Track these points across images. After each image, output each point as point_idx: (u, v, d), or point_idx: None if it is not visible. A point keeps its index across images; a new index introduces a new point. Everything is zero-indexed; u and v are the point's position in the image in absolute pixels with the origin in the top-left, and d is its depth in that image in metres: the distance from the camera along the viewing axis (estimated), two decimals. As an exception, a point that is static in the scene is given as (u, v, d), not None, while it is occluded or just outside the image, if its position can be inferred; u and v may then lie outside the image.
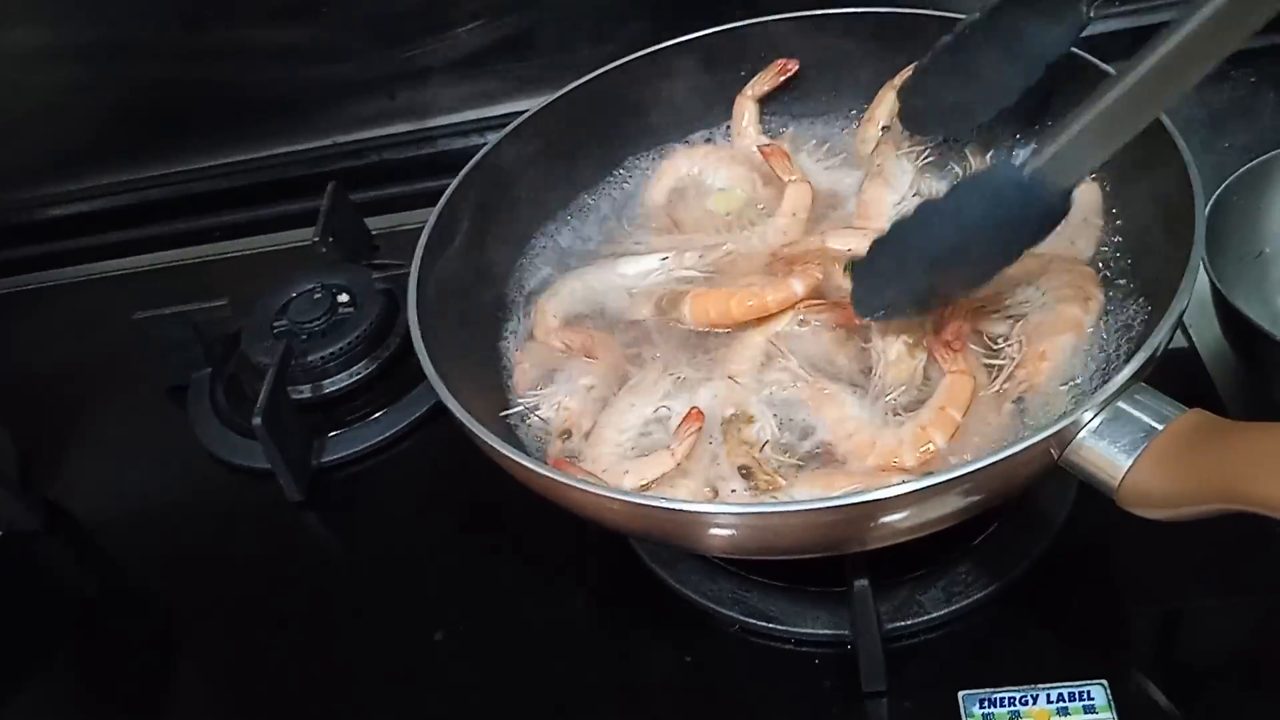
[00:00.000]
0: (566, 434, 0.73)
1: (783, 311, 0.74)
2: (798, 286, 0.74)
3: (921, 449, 0.65)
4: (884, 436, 0.66)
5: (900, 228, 0.65)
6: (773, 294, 0.74)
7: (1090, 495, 0.57)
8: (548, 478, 0.60)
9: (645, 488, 0.67)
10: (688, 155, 0.90)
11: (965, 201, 0.62)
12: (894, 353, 0.69)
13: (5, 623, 0.88)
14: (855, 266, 0.69)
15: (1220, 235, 0.78)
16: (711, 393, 0.72)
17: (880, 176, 0.80)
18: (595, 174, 0.91)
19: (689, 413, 0.69)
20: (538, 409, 0.74)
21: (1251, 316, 0.72)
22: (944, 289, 0.67)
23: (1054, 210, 0.60)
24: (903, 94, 0.79)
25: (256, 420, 0.83)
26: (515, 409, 0.75)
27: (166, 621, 0.86)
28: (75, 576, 0.94)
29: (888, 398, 0.68)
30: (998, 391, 0.67)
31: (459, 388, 0.67)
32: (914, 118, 0.78)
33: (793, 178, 0.83)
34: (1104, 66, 0.71)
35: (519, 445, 0.72)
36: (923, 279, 0.66)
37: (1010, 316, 0.71)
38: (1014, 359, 0.67)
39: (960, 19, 0.74)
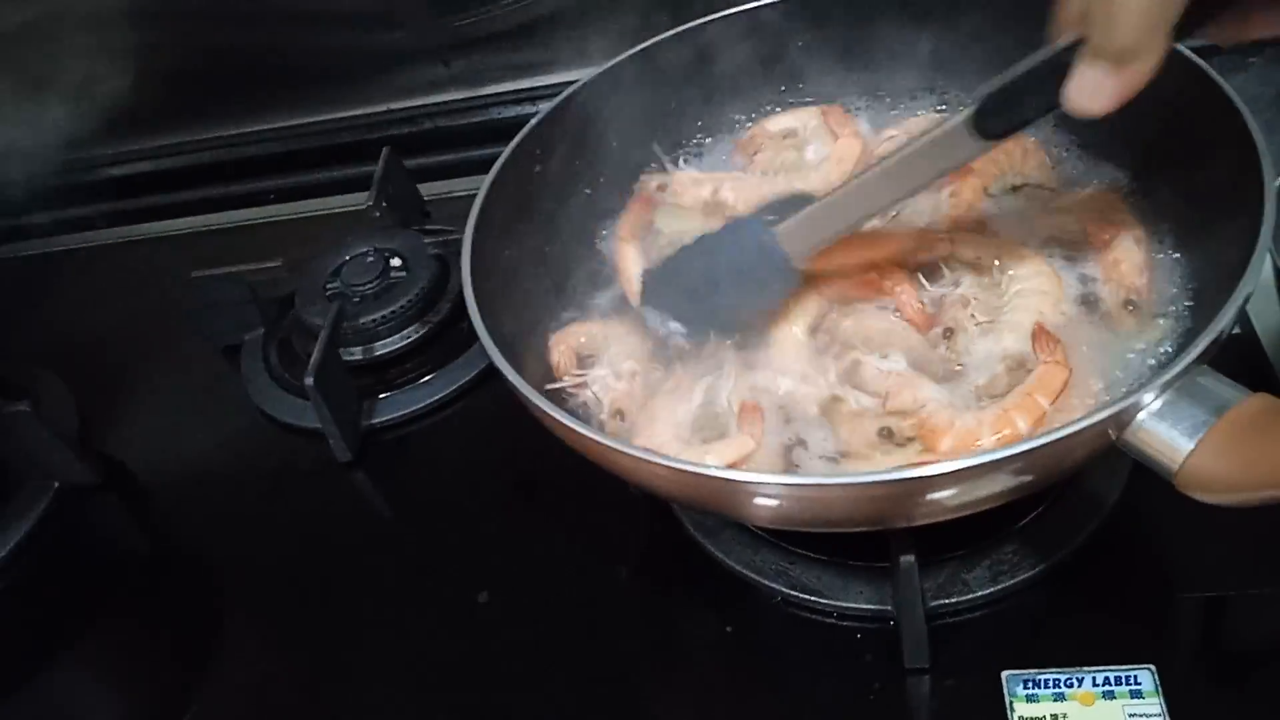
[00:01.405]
0: (619, 414, 0.73)
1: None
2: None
3: (1002, 432, 0.64)
4: (964, 418, 0.65)
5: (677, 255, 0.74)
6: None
7: (1143, 477, 0.56)
8: (599, 443, 0.60)
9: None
10: (793, 114, 0.89)
11: (727, 239, 0.72)
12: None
13: (61, 574, 0.90)
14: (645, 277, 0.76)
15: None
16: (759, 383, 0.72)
17: None
18: (654, 142, 0.90)
19: (744, 405, 0.69)
20: (587, 387, 0.74)
21: (1317, 302, 0.71)
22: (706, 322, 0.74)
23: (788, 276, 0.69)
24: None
25: (309, 380, 0.85)
26: (561, 384, 0.75)
27: (216, 577, 0.87)
28: (129, 531, 0.96)
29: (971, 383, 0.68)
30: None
31: (510, 352, 0.67)
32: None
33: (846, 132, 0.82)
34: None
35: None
36: (690, 304, 0.73)
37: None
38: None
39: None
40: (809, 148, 0.87)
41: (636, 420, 0.72)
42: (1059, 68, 0.53)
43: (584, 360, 0.77)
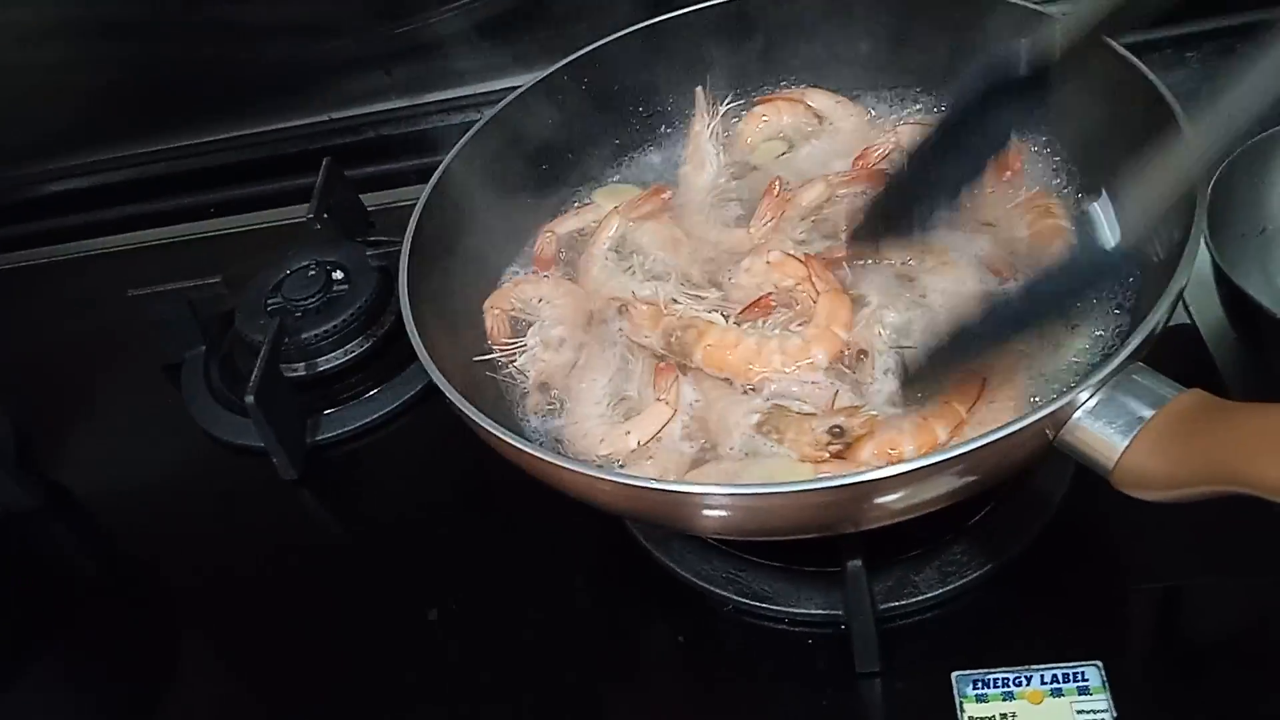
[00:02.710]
0: (544, 386, 0.74)
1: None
2: (821, 358, 0.69)
3: (922, 440, 0.64)
4: (884, 428, 0.65)
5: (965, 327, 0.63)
6: (794, 359, 0.69)
7: (1087, 475, 0.56)
8: (543, 460, 0.59)
9: (652, 441, 0.68)
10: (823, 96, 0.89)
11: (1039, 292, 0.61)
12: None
13: (3, 600, 0.88)
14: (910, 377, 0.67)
15: (1223, 212, 0.77)
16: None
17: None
18: (595, 152, 0.90)
19: (659, 368, 0.71)
20: (514, 359, 0.75)
21: (1253, 294, 0.72)
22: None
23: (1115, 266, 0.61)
24: (861, 219, 0.76)
25: (250, 399, 0.83)
26: (488, 355, 0.75)
27: (163, 600, 0.86)
28: (73, 555, 0.94)
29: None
30: None
31: (453, 370, 0.67)
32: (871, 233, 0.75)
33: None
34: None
35: (515, 425, 0.72)
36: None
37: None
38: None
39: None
40: (814, 143, 0.86)
41: (563, 397, 0.73)
42: None
43: (517, 326, 0.78)
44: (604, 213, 0.84)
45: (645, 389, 0.71)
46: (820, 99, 0.88)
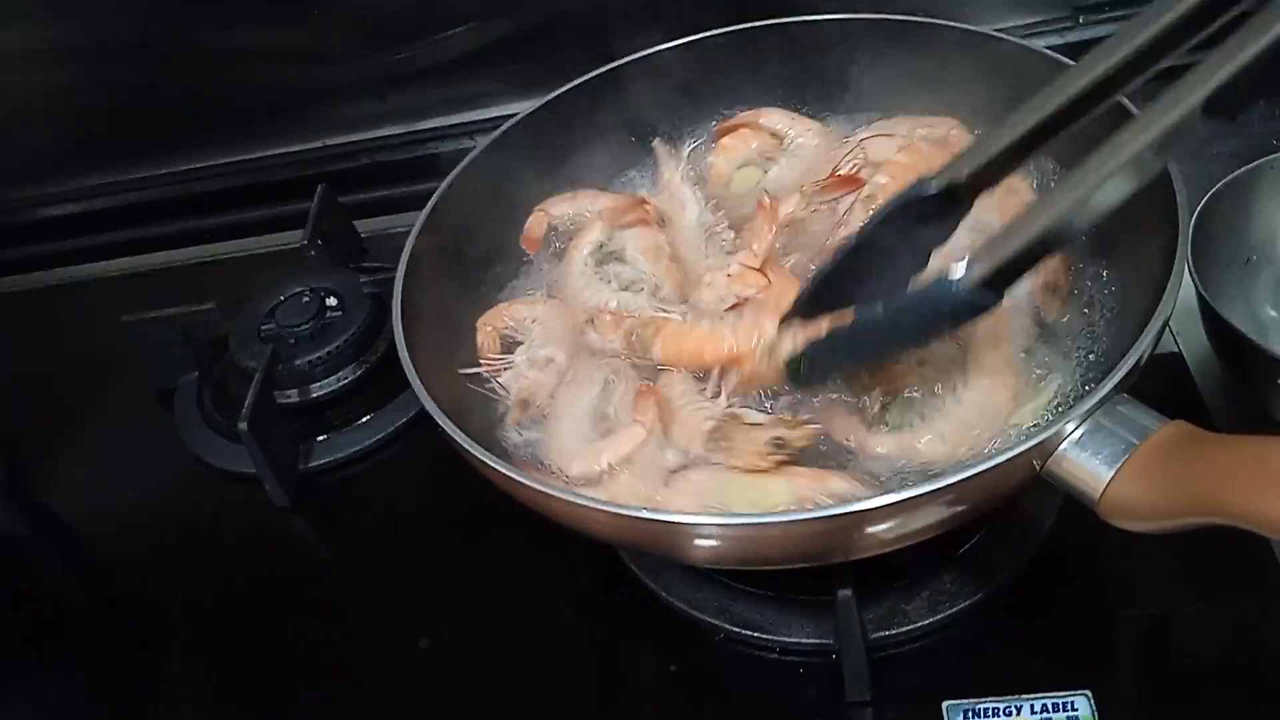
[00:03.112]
0: (525, 404, 0.74)
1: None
2: (770, 329, 0.70)
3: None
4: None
5: (837, 332, 0.65)
6: (745, 341, 0.71)
7: (1076, 503, 0.57)
8: (533, 489, 0.60)
9: (623, 462, 0.68)
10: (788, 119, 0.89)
11: (897, 314, 0.62)
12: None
13: (-7, 626, 0.87)
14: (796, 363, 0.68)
15: (1207, 242, 0.78)
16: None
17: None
18: (593, 180, 0.91)
19: (639, 389, 0.71)
20: (499, 375, 0.76)
21: (1237, 324, 0.73)
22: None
23: (989, 308, 0.60)
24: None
25: (242, 425, 0.83)
26: (475, 369, 0.76)
27: (153, 626, 0.86)
28: (63, 581, 0.93)
29: None
30: None
31: (445, 397, 0.67)
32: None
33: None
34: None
35: (501, 451, 0.72)
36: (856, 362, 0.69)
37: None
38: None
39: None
40: (784, 160, 0.87)
41: (545, 414, 0.73)
42: None
43: (508, 344, 0.79)
44: (596, 203, 0.85)
45: (624, 411, 0.72)
46: (774, 117, 0.89)
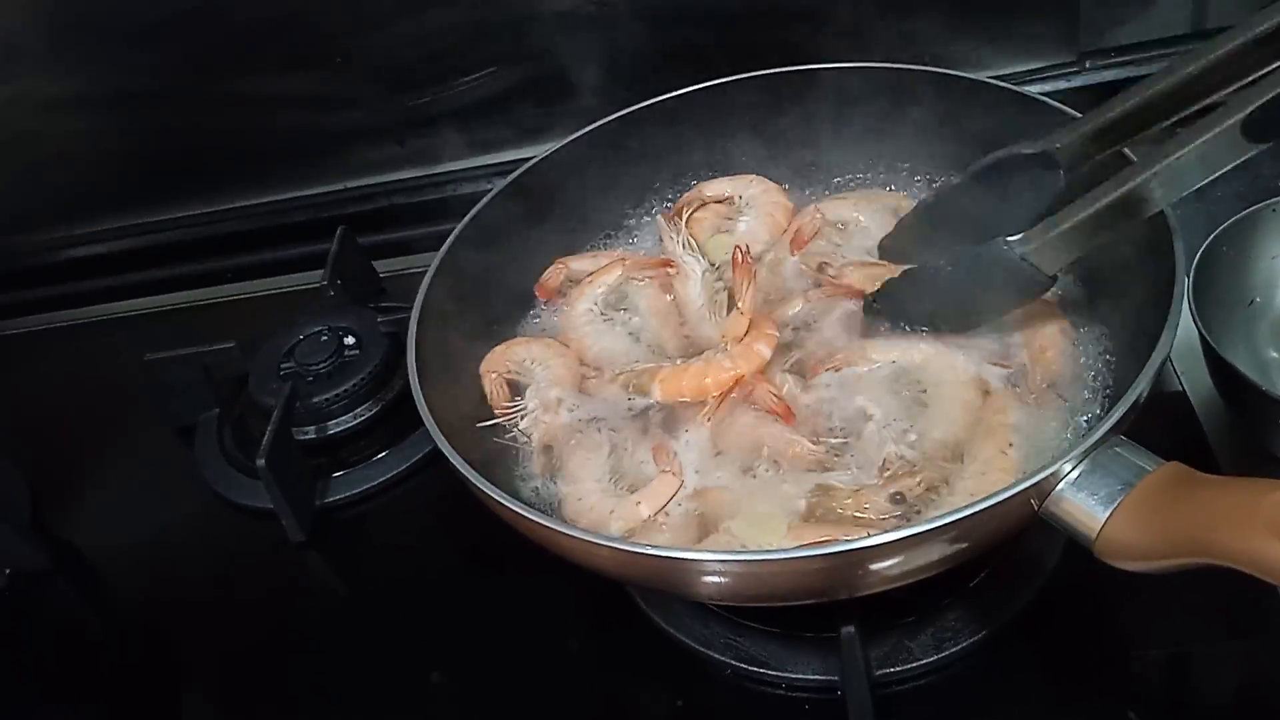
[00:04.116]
0: (548, 449, 0.75)
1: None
2: (764, 351, 0.75)
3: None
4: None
5: (907, 277, 0.74)
6: (744, 364, 0.75)
7: (1076, 542, 0.57)
8: (543, 526, 0.61)
9: (661, 512, 0.70)
10: (732, 182, 0.92)
11: (963, 267, 0.70)
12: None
13: (14, 660, 0.89)
14: (877, 296, 0.76)
15: (1210, 284, 0.79)
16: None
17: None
18: (603, 223, 0.93)
19: (655, 446, 0.73)
20: (517, 423, 0.78)
21: (1239, 366, 0.73)
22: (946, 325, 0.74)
23: (1042, 285, 0.68)
24: (887, 240, 0.84)
25: (260, 462, 0.85)
26: (493, 420, 0.77)
27: (171, 660, 0.87)
28: (83, 615, 0.95)
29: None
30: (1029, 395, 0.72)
31: (459, 435, 0.69)
32: (899, 253, 0.82)
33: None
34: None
35: (513, 489, 0.74)
36: (927, 314, 0.74)
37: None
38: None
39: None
40: (743, 219, 0.89)
41: (563, 466, 0.75)
42: None
43: (515, 388, 0.80)
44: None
45: (642, 465, 0.73)
46: (714, 187, 0.92)
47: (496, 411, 0.79)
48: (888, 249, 0.83)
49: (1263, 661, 0.69)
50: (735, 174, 0.93)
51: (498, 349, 0.83)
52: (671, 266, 0.85)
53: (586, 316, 0.84)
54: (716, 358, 0.75)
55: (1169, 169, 0.61)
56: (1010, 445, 0.68)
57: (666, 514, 0.70)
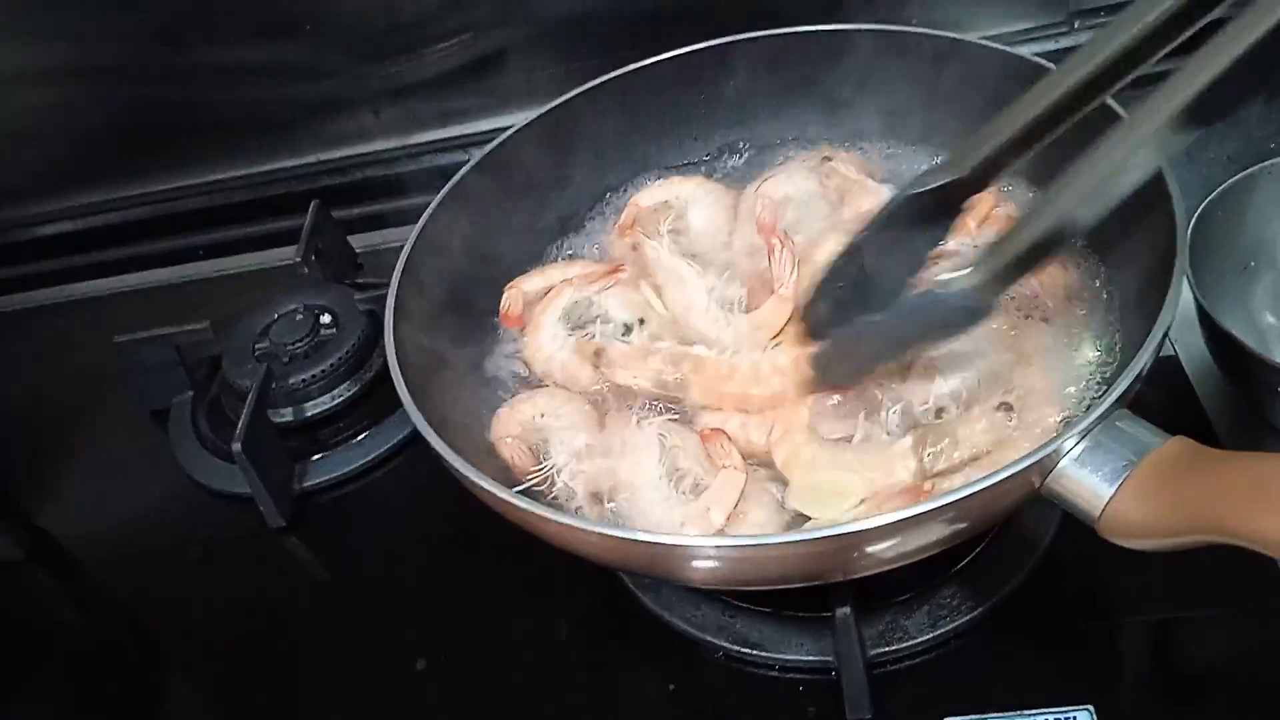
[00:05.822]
0: (597, 496, 0.69)
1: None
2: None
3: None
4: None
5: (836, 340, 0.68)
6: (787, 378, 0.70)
7: (1074, 517, 0.56)
8: (529, 512, 0.59)
9: (734, 515, 0.66)
10: (663, 187, 0.88)
11: (896, 315, 0.64)
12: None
13: (-11, 650, 0.87)
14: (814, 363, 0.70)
15: (1205, 249, 0.78)
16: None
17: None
18: (584, 192, 0.90)
19: (703, 435, 0.69)
20: (555, 480, 0.71)
21: (1235, 333, 0.72)
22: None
23: (979, 314, 0.61)
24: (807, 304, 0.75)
25: (236, 447, 0.83)
26: (526, 484, 0.71)
27: (148, 648, 0.85)
28: (57, 604, 0.93)
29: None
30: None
31: (439, 416, 0.67)
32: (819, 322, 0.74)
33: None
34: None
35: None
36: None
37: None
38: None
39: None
40: (690, 213, 0.86)
41: (617, 498, 0.69)
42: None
43: (535, 449, 0.73)
44: (567, 274, 0.83)
45: (696, 462, 0.69)
46: (647, 194, 0.88)
47: (525, 480, 0.71)
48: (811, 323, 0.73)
49: (1260, 630, 0.68)
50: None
51: (501, 413, 0.76)
52: (622, 271, 0.80)
53: (555, 344, 0.78)
54: (760, 368, 0.70)
55: (1084, 192, 0.57)
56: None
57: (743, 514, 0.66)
